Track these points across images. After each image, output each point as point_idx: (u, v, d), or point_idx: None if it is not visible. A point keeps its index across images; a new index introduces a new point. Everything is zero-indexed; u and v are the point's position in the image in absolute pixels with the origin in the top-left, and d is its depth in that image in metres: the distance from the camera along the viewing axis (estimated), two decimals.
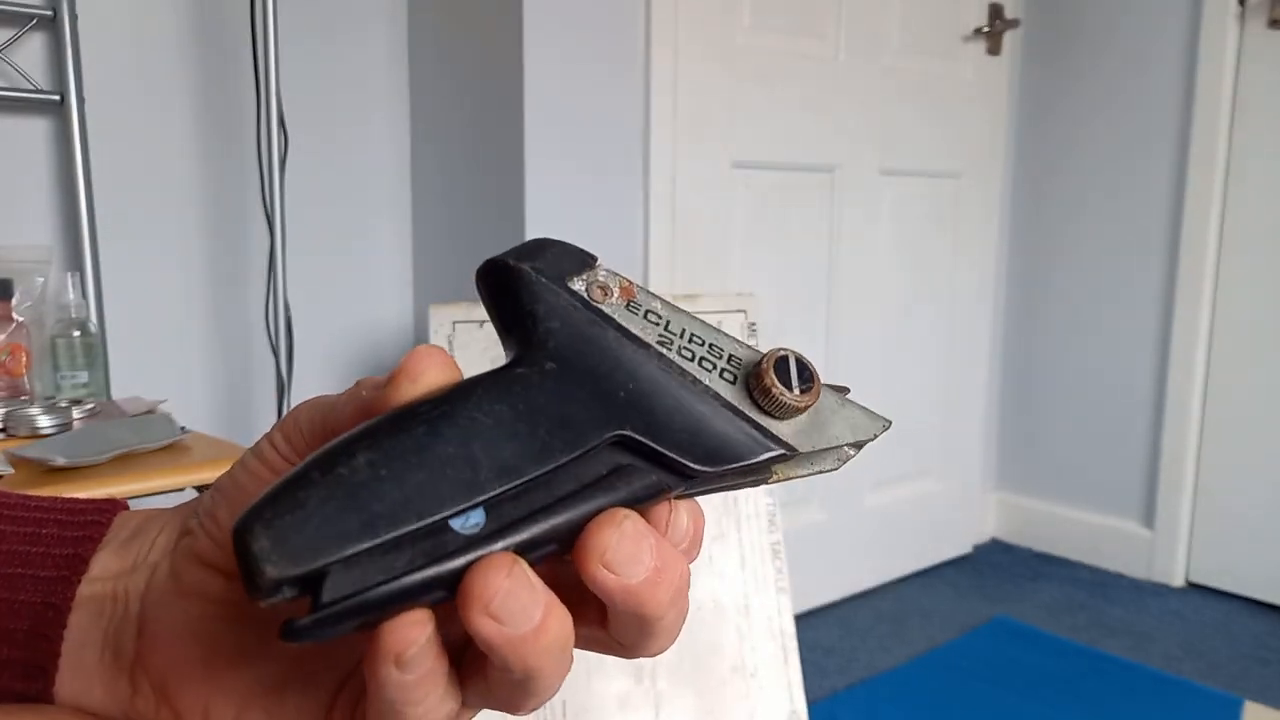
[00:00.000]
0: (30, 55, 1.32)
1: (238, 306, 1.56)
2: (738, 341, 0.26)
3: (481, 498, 0.21)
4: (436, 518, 0.21)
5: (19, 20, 1.30)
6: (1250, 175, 1.96)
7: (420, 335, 1.75)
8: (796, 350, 0.26)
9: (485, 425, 0.22)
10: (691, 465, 0.24)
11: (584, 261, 0.25)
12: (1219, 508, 2.05)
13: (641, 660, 1.23)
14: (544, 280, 0.25)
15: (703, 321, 0.26)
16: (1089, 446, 2.23)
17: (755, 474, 0.25)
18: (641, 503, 0.23)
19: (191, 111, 1.48)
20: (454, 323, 1.27)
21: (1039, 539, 2.34)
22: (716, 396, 0.25)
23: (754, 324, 1.40)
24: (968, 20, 2.07)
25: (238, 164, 1.52)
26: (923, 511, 2.17)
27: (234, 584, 0.26)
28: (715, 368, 0.25)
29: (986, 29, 2.08)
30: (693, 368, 0.25)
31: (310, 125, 1.58)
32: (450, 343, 1.26)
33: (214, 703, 0.26)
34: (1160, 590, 2.09)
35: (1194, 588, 2.09)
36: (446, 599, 0.21)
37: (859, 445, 0.26)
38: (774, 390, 0.25)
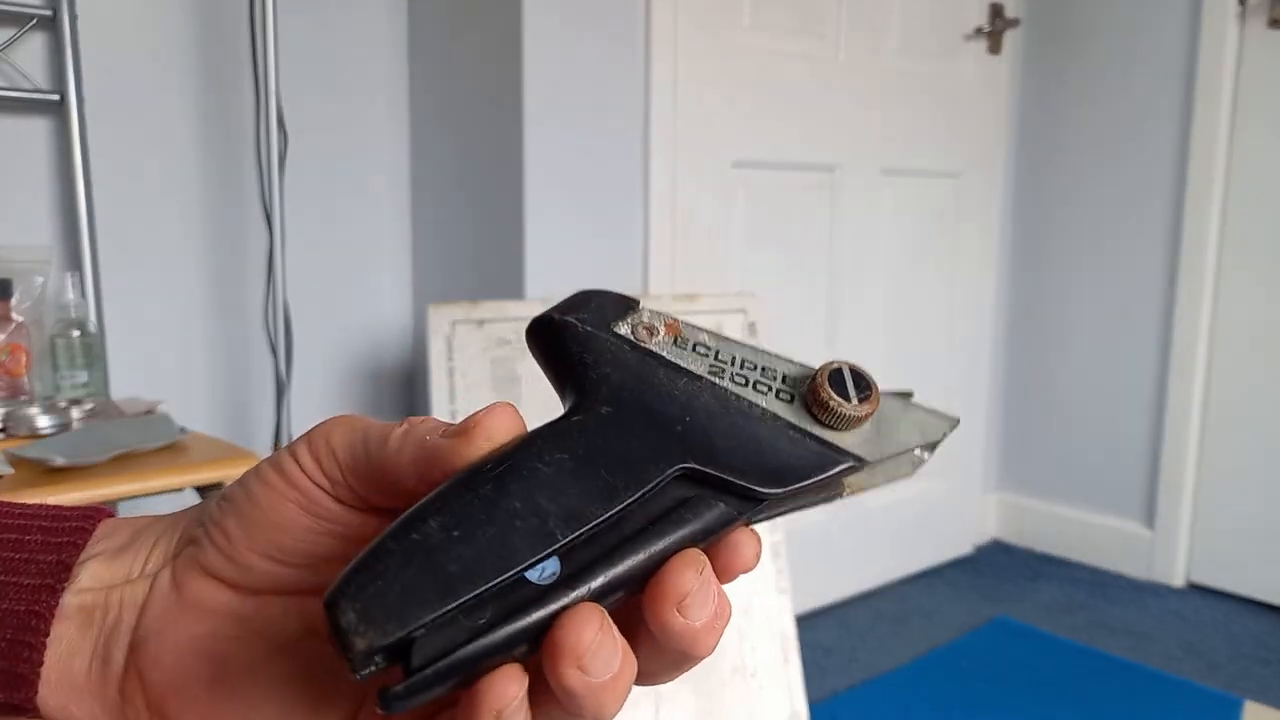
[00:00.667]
0: (30, 55, 1.32)
1: (237, 306, 1.56)
2: (789, 361, 0.26)
3: (553, 547, 0.22)
4: (512, 572, 0.21)
5: (19, 20, 1.30)
6: (1250, 175, 1.96)
7: (419, 335, 1.75)
8: (850, 360, 0.26)
9: (548, 475, 0.23)
10: (759, 489, 0.24)
11: (627, 306, 0.26)
12: (1219, 508, 2.05)
13: None
14: (589, 329, 0.25)
15: (752, 347, 0.26)
16: (1089, 447, 2.23)
17: (827, 490, 0.26)
18: (715, 533, 0.23)
19: (191, 111, 1.48)
20: (453, 322, 1.27)
21: (1039, 539, 2.34)
22: (776, 417, 0.25)
23: (754, 324, 1.40)
24: (968, 19, 2.07)
25: (237, 164, 1.52)
26: (923, 512, 2.17)
27: (242, 598, 0.25)
28: (771, 389, 0.26)
29: (987, 28, 2.08)
30: (748, 393, 0.25)
31: (309, 125, 1.57)
32: (449, 343, 1.26)
33: (213, 718, 0.25)
34: (1160, 590, 2.08)
35: (1194, 588, 2.09)
36: (530, 652, 0.21)
37: (931, 447, 0.27)
38: (831, 403, 0.25)
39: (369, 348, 1.72)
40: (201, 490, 0.98)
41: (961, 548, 2.29)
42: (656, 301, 1.38)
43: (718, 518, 0.23)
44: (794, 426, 0.25)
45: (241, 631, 0.25)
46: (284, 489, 0.25)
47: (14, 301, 1.23)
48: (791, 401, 0.25)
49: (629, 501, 0.23)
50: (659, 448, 0.24)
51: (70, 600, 0.26)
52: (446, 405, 1.26)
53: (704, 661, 1.02)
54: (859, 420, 0.25)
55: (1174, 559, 2.10)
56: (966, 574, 2.19)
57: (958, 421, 0.27)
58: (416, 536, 0.21)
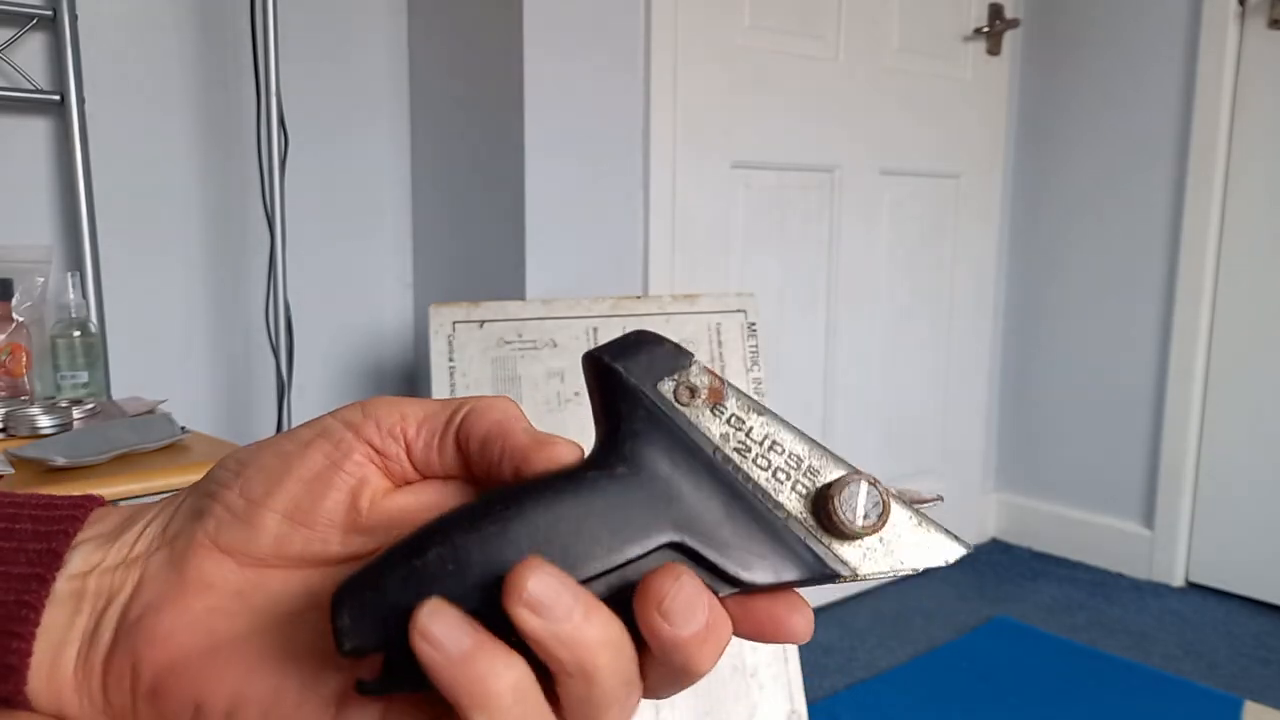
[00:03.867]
0: (30, 55, 1.32)
1: (238, 306, 1.56)
2: (822, 450, 0.26)
3: None
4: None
5: (19, 20, 1.30)
6: (1250, 175, 1.96)
7: (420, 335, 1.75)
8: (874, 476, 0.26)
9: (547, 525, 0.24)
10: (740, 576, 0.25)
11: (678, 361, 0.27)
12: (1219, 507, 2.05)
13: None
14: (633, 381, 0.26)
15: (788, 426, 0.27)
16: (1089, 446, 2.23)
17: (814, 583, 0.26)
18: None
19: (192, 111, 1.48)
20: (454, 323, 1.27)
21: (1039, 539, 2.34)
22: (781, 509, 0.26)
23: (754, 324, 1.40)
24: (967, 20, 2.07)
25: (238, 164, 1.52)
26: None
27: (242, 570, 0.25)
28: (789, 479, 0.26)
29: (986, 29, 2.08)
30: (765, 478, 0.26)
31: (310, 125, 1.58)
32: (450, 343, 1.26)
33: (207, 698, 0.25)
34: (1160, 590, 2.09)
35: (1194, 587, 2.09)
36: None
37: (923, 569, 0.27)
38: (836, 517, 0.25)
39: (370, 347, 1.72)
40: None
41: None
42: (656, 302, 1.38)
43: None
44: (799, 526, 0.26)
45: (239, 606, 0.25)
46: (328, 450, 0.26)
47: (14, 301, 1.23)
48: (805, 496, 0.26)
49: (615, 565, 0.24)
50: (658, 518, 0.25)
51: (61, 586, 0.25)
52: None
53: None
54: (861, 537, 0.26)
55: (1173, 559, 2.10)
56: (966, 574, 2.19)
57: (969, 550, 0.27)
58: (417, 563, 0.23)
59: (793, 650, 1.33)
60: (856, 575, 0.26)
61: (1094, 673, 1.70)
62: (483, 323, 1.27)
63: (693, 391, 0.26)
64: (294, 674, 0.25)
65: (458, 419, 0.26)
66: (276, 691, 0.25)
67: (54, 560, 0.25)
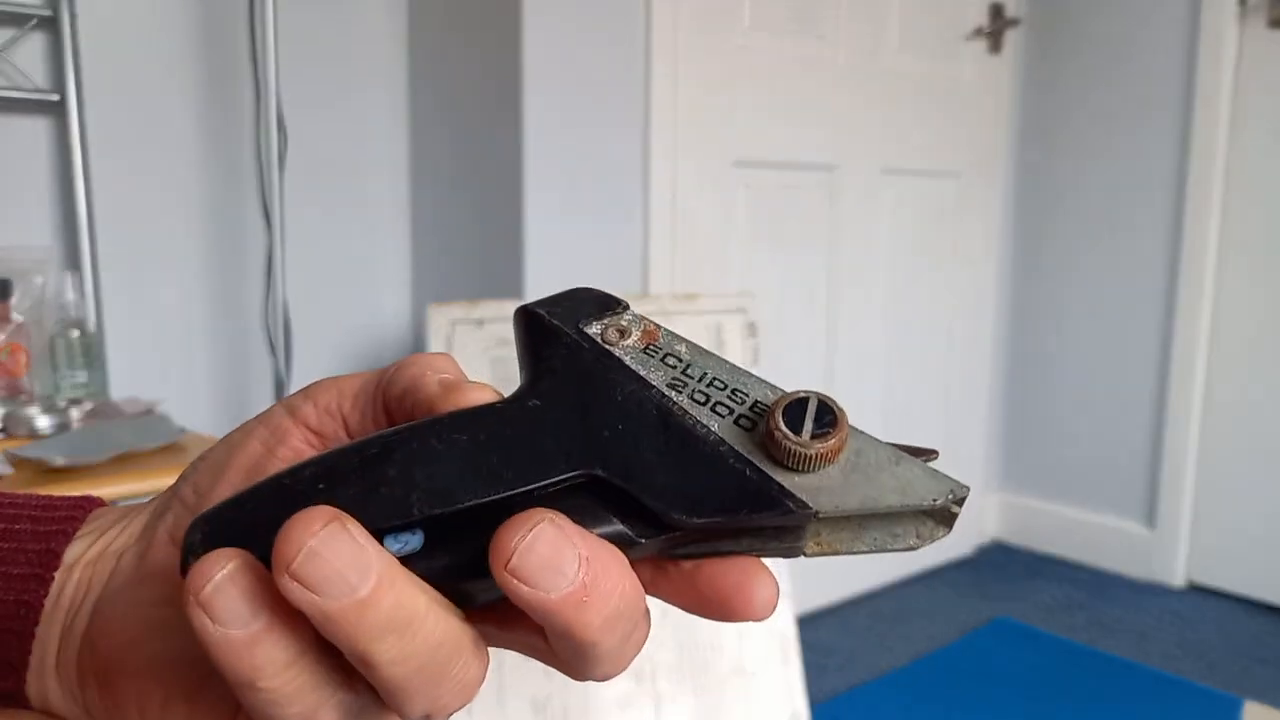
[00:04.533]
0: (30, 55, 1.32)
1: (236, 306, 1.56)
2: (771, 387, 0.23)
3: (407, 519, 0.21)
4: None
5: (19, 20, 1.30)
6: (1250, 175, 1.96)
7: (419, 334, 1.75)
8: (824, 393, 0.22)
9: (436, 451, 0.22)
10: (669, 514, 0.21)
11: (607, 306, 0.25)
12: (1219, 508, 2.05)
13: (641, 661, 1.23)
14: (556, 322, 0.25)
15: (732, 366, 0.24)
16: (1089, 447, 2.23)
17: (778, 539, 0.23)
18: None
19: (191, 111, 1.48)
20: (452, 322, 1.27)
21: (1039, 539, 2.34)
22: (721, 442, 0.22)
23: (754, 324, 1.40)
24: (968, 20, 2.07)
25: (237, 163, 1.52)
26: None
27: None
28: (731, 413, 0.23)
29: (987, 28, 2.08)
30: (702, 412, 0.23)
31: (309, 124, 1.57)
32: (449, 342, 1.26)
33: (144, 689, 0.24)
34: (1160, 590, 2.08)
35: (1194, 588, 2.09)
36: None
37: (940, 516, 0.23)
38: (777, 433, 0.22)
39: (369, 347, 1.72)
40: None
41: (961, 548, 2.29)
42: (656, 302, 1.38)
43: (603, 533, 0.21)
44: (737, 455, 0.22)
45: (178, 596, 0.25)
46: (264, 435, 0.25)
47: (14, 301, 1.23)
48: (751, 430, 0.22)
49: (511, 493, 0.21)
50: (571, 450, 0.22)
51: (52, 586, 0.26)
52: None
53: (704, 661, 1.02)
54: (812, 460, 0.22)
55: (1174, 559, 2.10)
56: (966, 574, 2.19)
57: (963, 492, 0.22)
58: (287, 481, 0.21)
59: (793, 651, 1.33)
60: (814, 512, 0.21)
61: (1094, 673, 1.70)
62: (482, 322, 1.27)
63: (622, 333, 0.24)
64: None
65: (384, 383, 0.25)
66: (200, 688, 0.24)
67: (53, 561, 0.26)
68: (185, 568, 0.20)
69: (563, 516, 0.21)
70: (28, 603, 0.25)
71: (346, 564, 0.19)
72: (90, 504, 0.28)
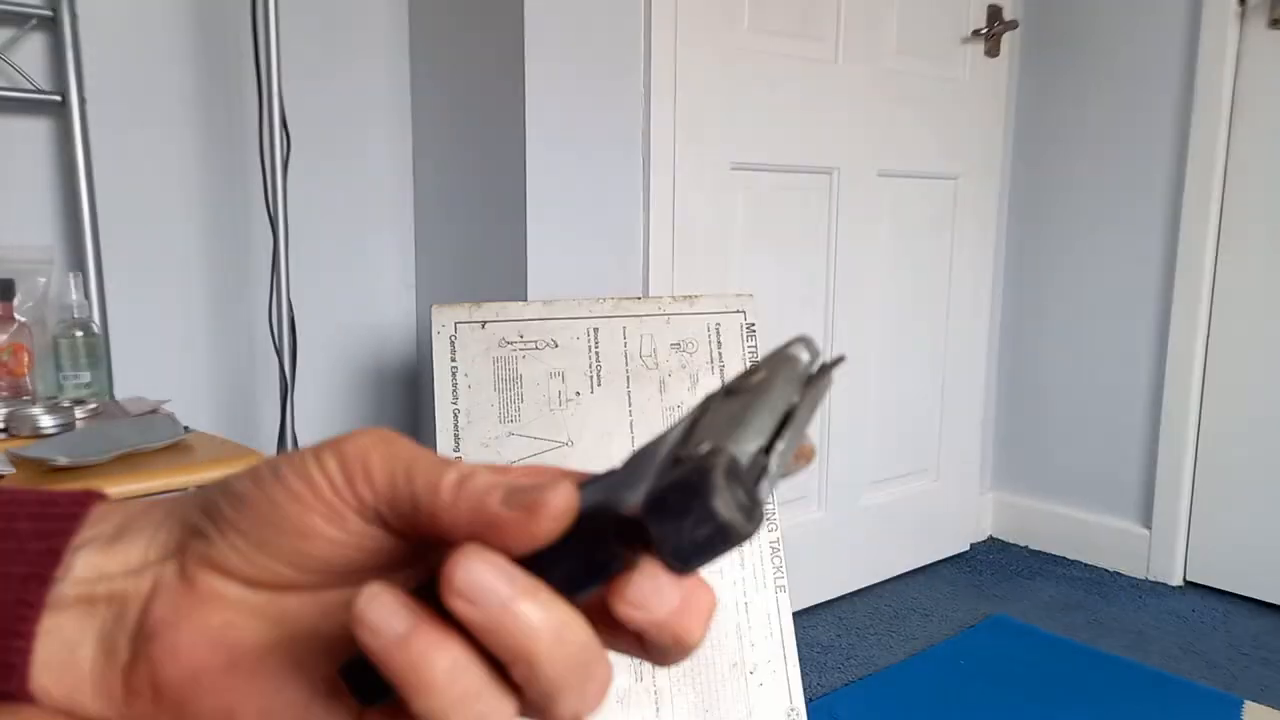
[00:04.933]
0: (30, 55, 1.32)
1: (241, 306, 1.56)
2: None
3: None
4: None
5: (19, 20, 1.30)
6: (1249, 175, 1.96)
7: (423, 336, 1.76)
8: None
9: None
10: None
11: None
12: (1217, 506, 2.05)
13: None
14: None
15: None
16: (1087, 445, 2.24)
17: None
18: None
19: (194, 112, 1.48)
20: (456, 323, 1.27)
21: (1036, 537, 2.35)
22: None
23: (753, 324, 1.40)
24: (966, 22, 2.07)
25: (240, 165, 1.52)
26: (920, 510, 2.17)
27: (256, 592, 0.26)
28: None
29: (985, 31, 2.08)
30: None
31: (313, 126, 1.58)
32: (452, 343, 1.27)
33: (237, 709, 0.25)
34: (1158, 589, 2.09)
35: (1192, 586, 2.10)
36: None
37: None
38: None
39: (372, 348, 1.73)
40: None
41: (958, 545, 2.29)
42: (656, 303, 1.38)
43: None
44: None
45: (258, 621, 0.25)
46: (310, 500, 0.25)
47: (16, 302, 1.23)
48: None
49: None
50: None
51: (67, 591, 0.25)
52: (449, 405, 1.26)
53: (702, 658, 1.03)
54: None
55: (1172, 558, 2.10)
56: (963, 572, 2.19)
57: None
58: None
59: (791, 648, 1.33)
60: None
61: (1092, 672, 1.70)
62: (484, 323, 1.28)
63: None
64: (323, 681, 0.25)
65: (425, 515, 0.24)
66: (304, 704, 0.25)
67: (54, 560, 0.25)
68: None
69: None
70: (28, 602, 0.25)
71: (506, 583, 0.22)
72: (91, 499, 0.27)
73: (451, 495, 0.24)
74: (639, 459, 0.24)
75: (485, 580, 0.22)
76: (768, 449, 0.23)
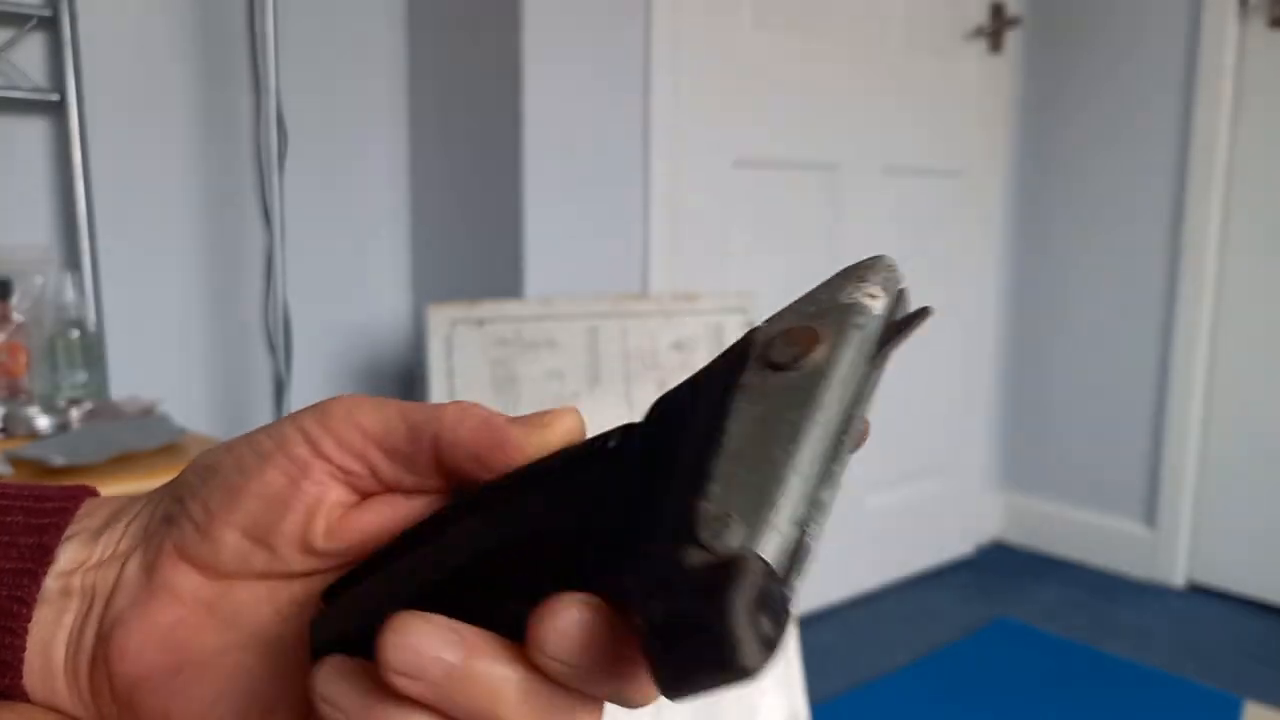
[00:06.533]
0: (30, 55, 1.32)
1: (236, 306, 1.56)
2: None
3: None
4: None
5: (19, 20, 1.30)
6: (1250, 175, 1.95)
7: (419, 335, 1.75)
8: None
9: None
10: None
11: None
12: (1220, 508, 2.04)
13: None
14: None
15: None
16: (1090, 447, 2.23)
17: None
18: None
19: (191, 111, 1.48)
20: (452, 322, 1.27)
21: (1041, 540, 2.34)
22: None
23: (754, 323, 1.40)
24: (969, 19, 2.06)
25: (236, 163, 1.52)
26: (924, 512, 2.17)
27: (210, 583, 0.25)
28: None
29: (988, 27, 2.08)
30: None
31: (309, 125, 1.57)
32: (448, 342, 1.26)
33: (174, 713, 0.24)
34: (1161, 591, 2.08)
35: (1195, 588, 2.09)
36: None
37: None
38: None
39: (368, 347, 1.72)
40: None
41: (962, 548, 2.28)
42: (656, 301, 1.38)
43: None
44: None
45: (208, 620, 0.25)
46: (285, 466, 0.24)
47: (13, 301, 1.23)
48: None
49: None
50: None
51: (50, 584, 0.25)
52: None
53: None
54: None
55: (1175, 559, 2.10)
56: (967, 575, 2.19)
57: None
58: (391, 570, 0.23)
59: (794, 651, 1.33)
60: None
61: (1096, 673, 1.70)
62: (481, 322, 1.27)
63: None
64: (263, 693, 0.25)
65: (426, 441, 0.24)
66: (244, 710, 0.25)
67: (45, 555, 0.25)
68: (311, 646, 0.23)
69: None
70: (20, 598, 0.25)
71: (445, 651, 0.20)
72: (82, 494, 0.27)
73: (456, 415, 0.23)
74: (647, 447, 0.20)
75: (425, 647, 0.20)
76: (806, 520, 0.18)
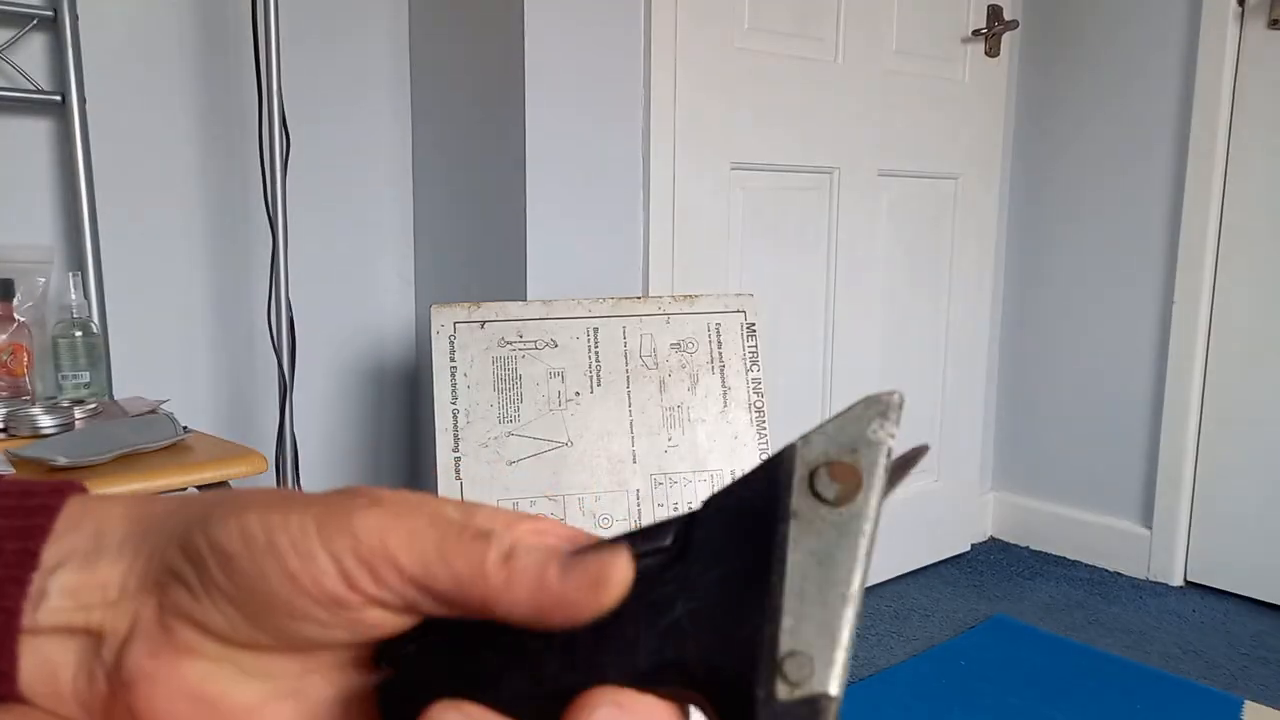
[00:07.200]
0: (31, 55, 1.32)
1: (240, 306, 1.56)
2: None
3: None
4: None
5: (19, 20, 1.30)
6: (1249, 175, 1.96)
7: (422, 335, 1.75)
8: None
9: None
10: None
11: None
12: (1217, 506, 2.05)
13: None
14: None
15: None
16: (1087, 445, 2.24)
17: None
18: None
19: (193, 111, 1.48)
20: (455, 323, 1.27)
21: (1037, 538, 2.35)
22: None
23: (753, 324, 1.40)
24: (966, 22, 2.07)
25: (240, 164, 1.52)
26: (921, 510, 2.17)
27: (239, 650, 0.25)
28: None
29: (985, 30, 2.08)
30: None
31: (312, 125, 1.58)
32: (452, 343, 1.26)
33: None
34: (1158, 589, 2.09)
35: (1192, 587, 2.10)
36: None
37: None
38: None
39: (372, 347, 1.73)
40: (202, 489, 0.98)
41: (959, 546, 2.29)
42: (656, 303, 1.38)
43: None
44: None
45: (238, 674, 0.25)
46: (316, 595, 0.23)
47: (16, 301, 1.23)
48: None
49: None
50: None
51: (44, 620, 0.24)
52: (449, 405, 1.26)
53: None
54: None
55: (1172, 558, 2.10)
56: (964, 572, 2.19)
57: None
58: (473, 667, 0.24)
59: None
60: None
61: (1092, 672, 1.70)
62: (484, 323, 1.28)
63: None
64: None
65: (475, 602, 0.23)
66: None
67: (30, 560, 0.24)
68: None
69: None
70: (7, 609, 0.24)
71: None
72: (69, 489, 0.26)
73: (502, 578, 0.22)
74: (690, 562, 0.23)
75: None
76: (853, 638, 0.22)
